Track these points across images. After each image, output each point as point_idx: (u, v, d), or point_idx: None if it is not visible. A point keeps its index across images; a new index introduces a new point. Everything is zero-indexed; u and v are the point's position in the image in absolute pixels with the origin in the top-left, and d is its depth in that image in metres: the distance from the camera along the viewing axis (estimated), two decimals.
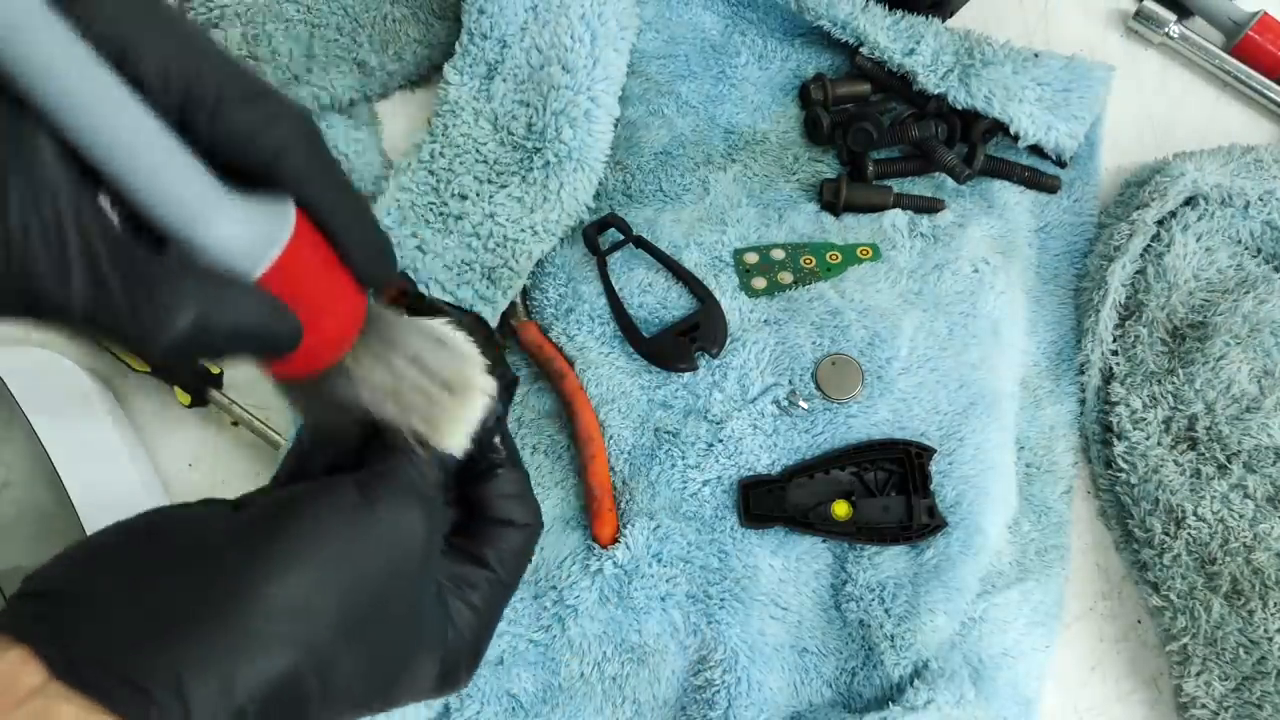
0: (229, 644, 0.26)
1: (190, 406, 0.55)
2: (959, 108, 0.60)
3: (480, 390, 0.32)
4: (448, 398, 0.31)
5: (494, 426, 0.35)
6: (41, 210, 0.22)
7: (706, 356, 0.55)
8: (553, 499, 0.54)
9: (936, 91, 0.60)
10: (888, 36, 0.60)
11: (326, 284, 0.28)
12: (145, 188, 0.24)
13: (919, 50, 0.60)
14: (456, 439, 0.32)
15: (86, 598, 0.26)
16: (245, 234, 0.25)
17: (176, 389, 0.55)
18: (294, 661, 0.27)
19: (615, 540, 0.51)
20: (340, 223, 0.28)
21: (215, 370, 0.55)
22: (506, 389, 0.36)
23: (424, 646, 0.32)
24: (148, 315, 0.23)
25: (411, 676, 0.32)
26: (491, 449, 0.36)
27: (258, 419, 0.54)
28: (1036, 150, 0.62)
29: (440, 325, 0.32)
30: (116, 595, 0.26)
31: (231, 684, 0.25)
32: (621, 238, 0.58)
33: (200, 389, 0.55)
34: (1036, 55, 0.61)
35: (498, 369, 0.34)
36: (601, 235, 0.58)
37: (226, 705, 0.25)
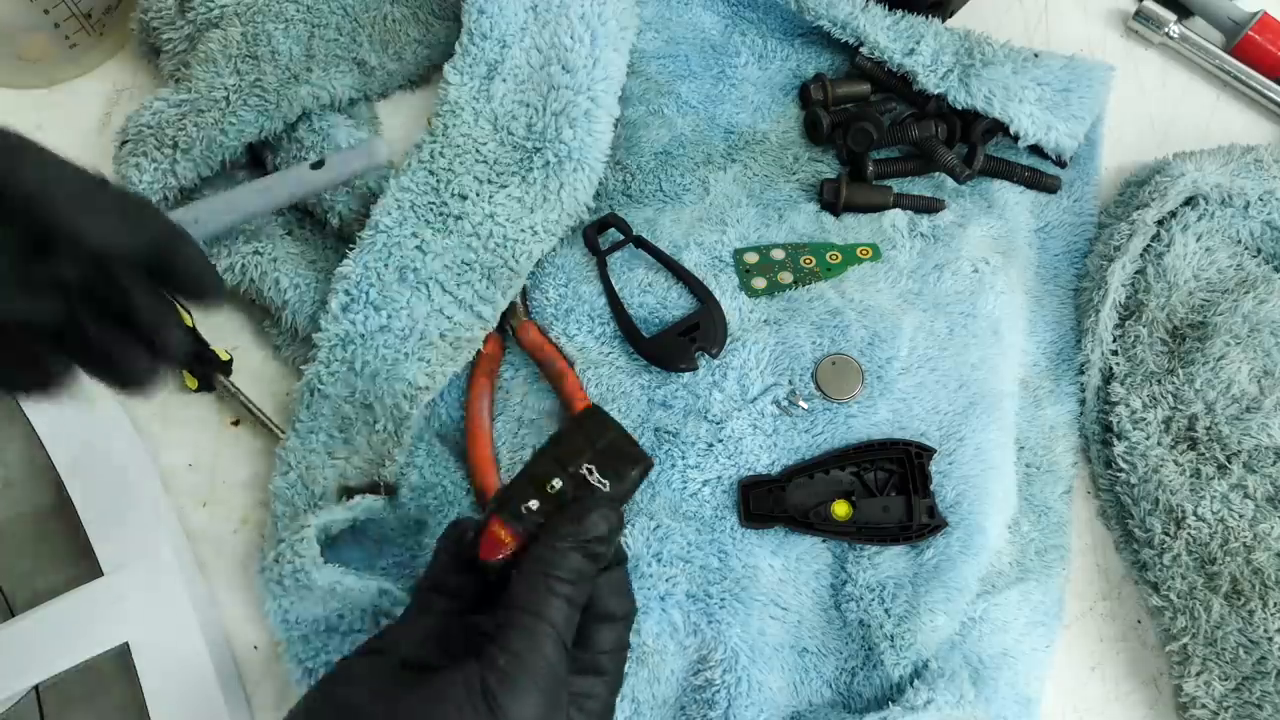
0: None
1: (197, 391, 0.55)
2: (959, 108, 0.60)
3: None
4: None
5: (618, 527, 0.38)
6: None
7: (706, 356, 0.55)
8: None
9: (936, 91, 0.60)
10: (888, 36, 0.60)
11: None
12: None
13: (919, 50, 0.60)
14: None
15: None
16: None
17: (185, 373, 0.55)
18: None
19: None
20: None
21: (225, 357, 0.55)
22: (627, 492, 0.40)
23: None
24: None
25: None
26: (616, 546, 0.39)
27: (260, 411, 0.54)
28: (1036, 150, 0.62)
29: None
30: None
31: None
32: (621, 238, 0.58)
33: (208, 375, 0.55)
34: (1036, 55, 0.61)
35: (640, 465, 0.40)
36: (601, 235, 0.58)
37: None
